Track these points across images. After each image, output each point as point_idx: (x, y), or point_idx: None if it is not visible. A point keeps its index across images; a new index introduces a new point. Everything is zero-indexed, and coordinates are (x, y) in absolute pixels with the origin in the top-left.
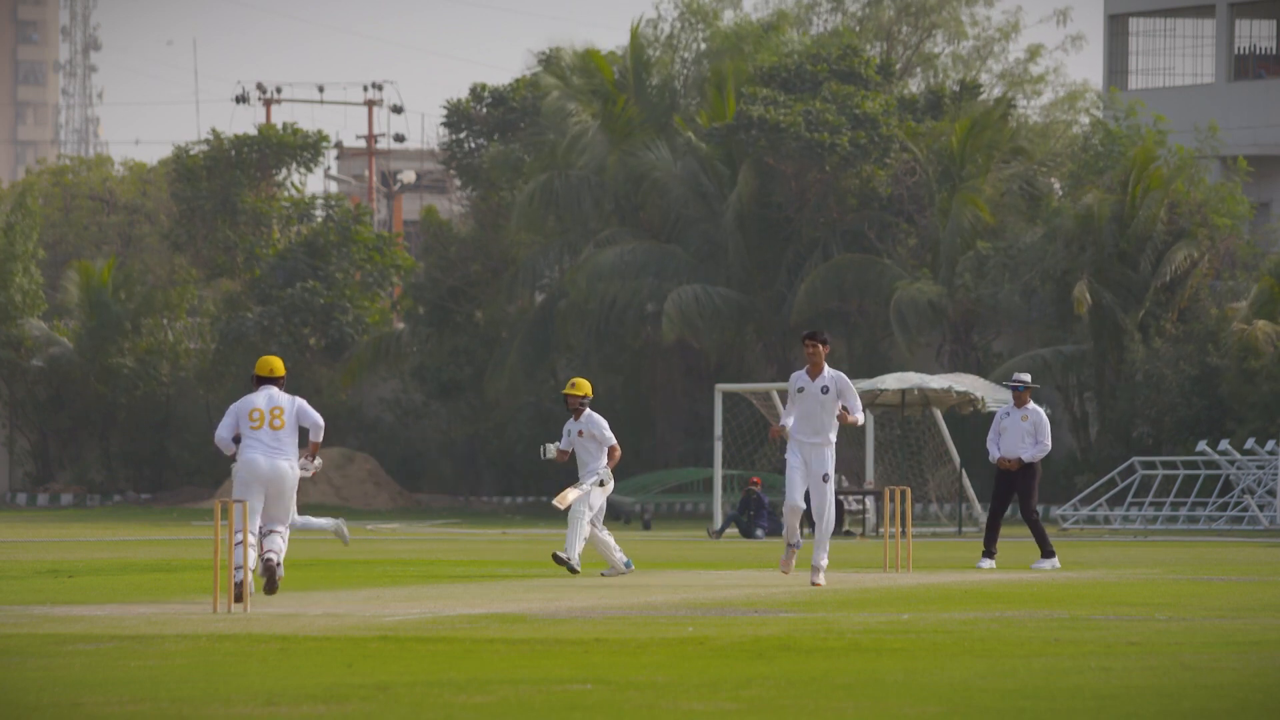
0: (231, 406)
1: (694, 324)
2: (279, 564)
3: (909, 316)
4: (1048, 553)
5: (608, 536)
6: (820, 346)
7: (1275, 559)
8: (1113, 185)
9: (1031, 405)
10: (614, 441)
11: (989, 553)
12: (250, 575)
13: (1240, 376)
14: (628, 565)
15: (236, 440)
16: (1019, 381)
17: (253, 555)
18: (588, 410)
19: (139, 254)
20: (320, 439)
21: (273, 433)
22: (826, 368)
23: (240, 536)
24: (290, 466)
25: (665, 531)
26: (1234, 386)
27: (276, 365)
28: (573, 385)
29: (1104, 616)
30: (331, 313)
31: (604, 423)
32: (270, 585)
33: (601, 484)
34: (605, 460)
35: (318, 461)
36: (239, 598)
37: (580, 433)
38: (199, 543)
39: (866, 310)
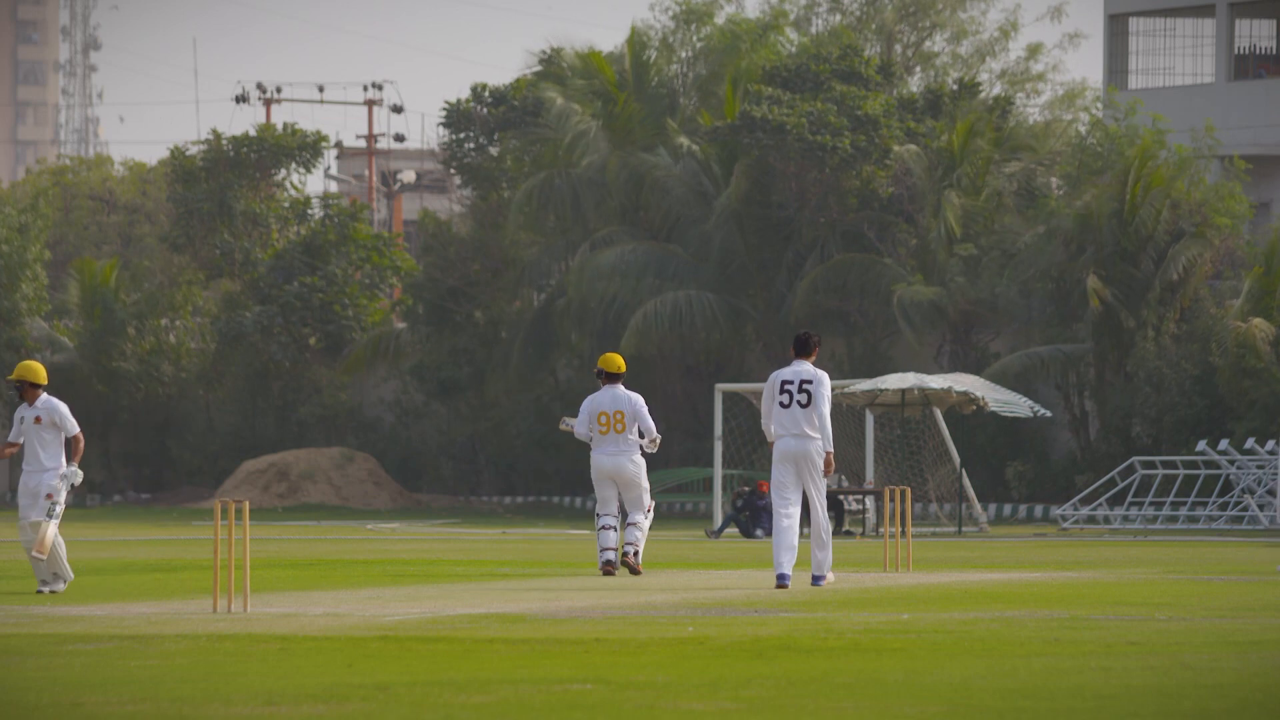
0: (585, 402)
1: (671, 330)
2: (637, 554)
3: (912, 316)
4: None
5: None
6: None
7: (1275, 559)
8: (1111, 184)
9: None
10: (77, 430)
11: None
12: (615, 555)
13: (1238, 375)
14: (52, 585)
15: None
16: None
17: (614, 536)
18: (44, 394)
19: (139, 254)
20: (653, 435)
21: (616, 435)
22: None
23: (604, 521)
24: (630, 461)
25: (665, 531)
26: (1233, 385)
27: (619, 362)
28: (27, 369)
29: (1104, 616)
30: (330, 310)
31: (65, 409)
32: (633, 571)
33: (73, 486)
34: (65, 456)
35: (652, 446)
36: (607, 573)
37: (38, 419)
38: (199, 543)
39: (866, 310)
